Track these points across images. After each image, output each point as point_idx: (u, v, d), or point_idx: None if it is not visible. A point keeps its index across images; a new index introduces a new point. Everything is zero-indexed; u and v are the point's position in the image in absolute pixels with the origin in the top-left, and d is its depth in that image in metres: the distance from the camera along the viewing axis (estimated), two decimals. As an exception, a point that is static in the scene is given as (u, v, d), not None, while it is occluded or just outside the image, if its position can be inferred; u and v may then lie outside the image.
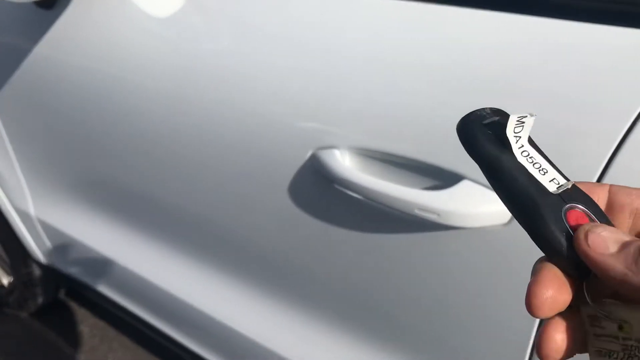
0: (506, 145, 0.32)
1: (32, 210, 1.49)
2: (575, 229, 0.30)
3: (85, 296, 1.62)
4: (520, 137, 0.33)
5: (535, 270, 0.31)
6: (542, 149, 0.33)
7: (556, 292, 0.29)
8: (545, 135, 0.62)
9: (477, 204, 0.65)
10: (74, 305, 1.97)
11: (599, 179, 0.59)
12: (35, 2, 1.08)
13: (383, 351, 0.89)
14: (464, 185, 0.66)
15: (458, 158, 0.67)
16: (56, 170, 1.35)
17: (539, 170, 0.32)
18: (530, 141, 0.33)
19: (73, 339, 1.85)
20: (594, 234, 0.29)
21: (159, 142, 1.02)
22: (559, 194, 0.31)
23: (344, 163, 0.77)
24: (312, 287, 0.96)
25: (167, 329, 1.36)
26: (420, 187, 0.71)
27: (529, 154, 0.32)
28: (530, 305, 0.29)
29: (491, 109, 0.35)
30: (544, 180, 0.31)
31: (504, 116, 0.34)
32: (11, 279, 1.88)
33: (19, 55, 1.18)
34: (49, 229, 1.49)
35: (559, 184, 0.31)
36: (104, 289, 1.48)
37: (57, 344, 1.84)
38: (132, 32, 1.00)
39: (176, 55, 0.94)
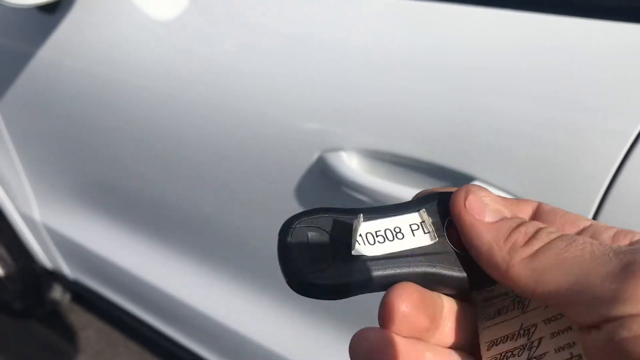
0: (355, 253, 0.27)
1: (37, 215, 1.49)
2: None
3: (91, 301, 1.61)
4: (361, 232, 0.27)
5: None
6: (376, 207, 0.28)
7: (415, 310, 0.26)
8: (557, 135, 0.61)
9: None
10: (79, 310, 1.97)
11: (612, 180, 0.58)
12: (37, 7, 1.07)
13: None
14: (474, 186, 0.65)
15: (468, 159, 0.66)
16: (61, 175, 1.35)
17: (397, 235, 0.27)
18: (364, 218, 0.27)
19: (79, 343, 1.85)
20: (475, 195, 0.27)
21: (163, 145, 1.01)
22: (438, 237, 0.27)
23: (351, 165, 0.76)
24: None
25: (173, 332, 1.35)
26: (430, 188, 0.70)
27: (377, 234, 0.27)
28: (379, 317, 0.27)
29: (299, 218, 0.29)
30: (412, 242, 0.27)
31: (319, 221, 0.28)
32: (17, 283, 1.88)
33: (23, 59, 1.18)
34: (54, 234, 1.49)
35: (423, 227, 0.27)
36: (110, 294, 1.48)
37: (63, 348, 1.83)
38: (136, 35, 0.99)
39: (180, 58, 0.94)
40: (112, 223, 1.31)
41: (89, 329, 1.90)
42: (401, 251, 0.27)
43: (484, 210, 0.26)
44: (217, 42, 0.91)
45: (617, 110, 0.59)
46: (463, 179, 0.67)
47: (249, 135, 0.87)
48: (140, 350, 1.79)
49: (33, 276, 1.75)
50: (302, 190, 0.84)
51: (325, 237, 0.27)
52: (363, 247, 0.27)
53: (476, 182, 0.66)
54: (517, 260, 0.24)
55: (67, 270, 1.58)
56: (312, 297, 0.27)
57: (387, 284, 0.27)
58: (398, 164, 0.73)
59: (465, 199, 0.27)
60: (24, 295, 1.83)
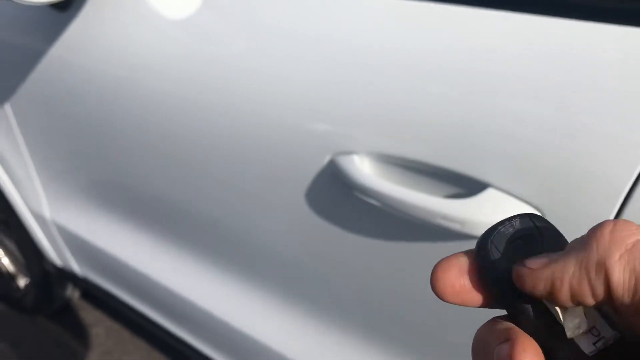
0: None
1: (47, 212, 1.49)
2: None
3: (101, 298, 1.62)
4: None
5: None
6: None
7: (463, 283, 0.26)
8: (574, 142, 0.60)
9: (503, 213, 0.63)
10: (89, 307, 1.97)
11: (632, 187, 0.57)
12: (50, 5, 1.07)
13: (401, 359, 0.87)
14: (489, 193, 0.64)
15: (483, 165, 0.65)
16: (71, 173, 1.34)
17: (572, 320, 0.24)
18: None
19: (88, 341, 1.85)
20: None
21: (173, 145, 1.00)
22: (594, 355, 0.24)
23: (363, 169, 0.74)
24: (329, 294, 0.94)
25: (181, 332, 1.35)
26: (443, 195, 0.69)
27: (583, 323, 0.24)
28: (433, 286, 0.27)
29: (521, 218, 0.27)
30: (577, 333, 0.24)
31: (539, 237, 0.26)
32: (27, 280, 1.89)
33: (35, 57, 1.18)
34: (64, 232, 1.49)
35: (598, 335, 0.24)
36: (118, 292, 1.48)
37: (72, 345, 1.84)
38: (147, 34, 0.99)
39: (191, 58, 0.93)
40: (121, 221, 1.31)
41: (98, 327, 1.90)
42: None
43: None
44: (229, 42, 0.90)
45: (638, 117, 0.57)
46: (477, 186, 0.66)
47: (260, 137, 0.86)
48: (149, 348, 1.79)
49: (43, 273, 1.75)
50: (312, 192, 0.83)
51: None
52: None
53: (491, 190, 0.64)
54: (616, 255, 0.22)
55: (76, 267, 1.59)
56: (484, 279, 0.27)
57: None
58: (410, 169, 0.72)
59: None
60: (34, 292, 1.84)
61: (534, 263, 0.24)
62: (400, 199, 0.70)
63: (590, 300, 0.23)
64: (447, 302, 0.26)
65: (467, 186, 0.67)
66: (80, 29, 1.08)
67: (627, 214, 0.58)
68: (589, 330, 0.24)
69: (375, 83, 0.74)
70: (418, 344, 0.84)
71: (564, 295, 0.23)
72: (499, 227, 0.26)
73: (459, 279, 0.26)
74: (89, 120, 1.16)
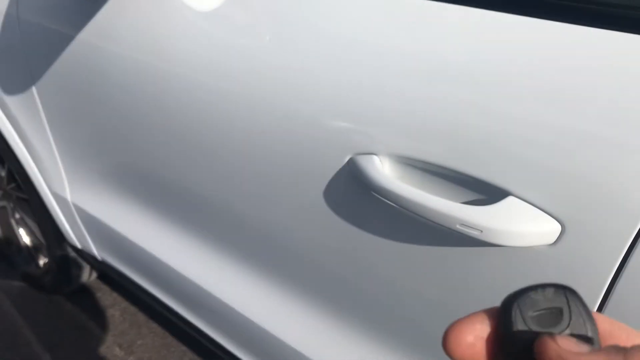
0: None
1: (68, 195, 1.51)
2: None
3: (117, 281, 1.64)
4: None
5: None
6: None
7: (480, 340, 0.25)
8: (598, 153, 0.59)
9: (523, 222, 0.62)
10: (106, 289, 2.00)
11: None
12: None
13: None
14: (509, 201, 0.63)
15: (505, 173, 0.64)
16: (93, 157, 1.36)
17: None
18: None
19: (104, 322, 1.88)
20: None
21: (194, 134, 1.01)
22: None
23: (383, 171, 0.74)
24: (343, 292, 0.94)
25: (195, 319, 1.36)
26: (463, 200, 0.68)
27: None
28: (445, 342, 0.25)
29: (555, 288, 0.26)
30: None
31: (569, 308, 0.25)
32: (47, 260, 1.92)
33: (62, 42, 1.19)
34: (84, 215, 1.51)
35: None
36: (135, 276, 1.50)
37: (88, 326, 1.87)
38: (175, 23, 0.99)
39: (217, 48, 0.93)
40: (140, 206, 1.32)
41: (114, 309, 1.93)
42: None
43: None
44: (255, 35, 0.90)
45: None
46: (496, 192, 0.65)
47: (280, 131, 0.86)
48: (163, 333, 1.81)
49: (62, 254, 1.78)
50: (331, 190, 0.83)
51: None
52: None
53: (512, 198, 0.63)
54: None
55: (95, 250, 1.61)
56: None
57: None
58: (430, 172, 0.71)
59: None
60: (53, 272, 1.87)
61: (564, 342, 0.23)
62: (418, 202, 0.69)
63: None
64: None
65: (488, 193, 0.66)
66: (109, 15, 1.09)
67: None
68: None
69: (399, 84, 0.73)
70: (431, 346, 0.84)
71: None
72: (530, 292, 0.25)
73: (474, 345, 0.25)
74: (112, 106, 1.17)
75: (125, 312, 1.91)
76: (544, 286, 0.25)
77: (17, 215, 1.96)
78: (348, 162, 0.78)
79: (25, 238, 1.98)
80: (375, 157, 0.75)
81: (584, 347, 0.23)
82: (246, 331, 1.17)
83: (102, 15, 1.10)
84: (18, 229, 1.97)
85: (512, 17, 0.67)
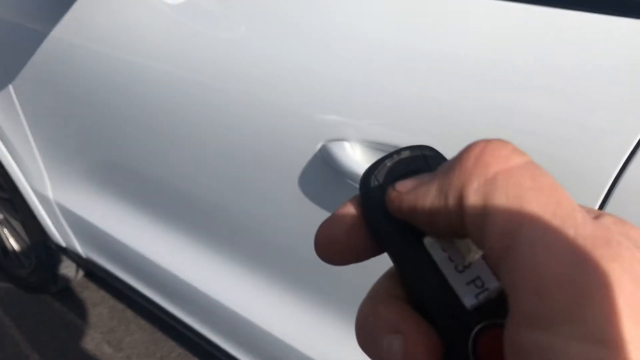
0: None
1: (50, 193, 1.51)
2: (485, 356, 0.20)
3: (104, 279, 1.64)
4: None
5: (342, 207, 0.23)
6: None
7: (347, 237, 0.23)
8: (564, 132, 0.60)
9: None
10: (93, 287, 2.00)
11: (616, 178, 0.57)
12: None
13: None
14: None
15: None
16: (74, 154, 1.36)
17: (456, 266, 0.21)
18: None
19: (92, 320, 1.88)
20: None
21: (171, 127, 1.01)
22: (476, 307, 0.21)
23: (354, 156, 0.75)
24: (320, 279, 0.95)
25: (182, 314, 1.36)
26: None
27: (457, 254, 0.22)
28: (316, 244, 0.23)
29: (411, 150, 0.24)
30: (459, 283, 0.21)
31: (422, 163, 0.24)
32: (32, 260, 1.91)
33: (36, 39, 1.19)
34: (67, 213, 1.51)
35: (481, 287, 0.21)
36: (120, 273, 1.50)
37: (76, 324, 1.87)
38: (147, 16, 0.99)
39: (190, 41, 0.93)
40: (123, 203, 1.32)
41: (102, 306, 1.93)
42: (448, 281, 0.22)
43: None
44: (228, 27, 0.90)
45: (624, 106, 0.57)
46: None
47: (253, 121, 0.86)
48: (152, 329, 1.82)
49: (47, 253, 1.78)
50: (303, 178, 0.84)
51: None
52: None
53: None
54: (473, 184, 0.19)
55: (79, 248, 1.61)
56: (362, 201, 0.23)
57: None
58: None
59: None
60: (39, 271, 1.86)
61: (403, 185, 0.21)
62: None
63: (447, 231, 0.20)
64: (329, 262, 0.24)
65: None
66: (83, 11, 1.09)
67: (610, 206, 0.58)
68: (473, 281, 0.21)
69: (369, 72, 0.74)
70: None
71: (424, 219, 0.21)
72: (385, 160, 0.23)
73: (342, 231, 0.23)
74: (91, 102, 1.17)
75: (113, 310, 1.91)
76: (398, 151, 0.24)
77: (1, 216, 1.95)
78: (320, 149, 0.79)
79: (9, 238, 1.97)
80: (346, 144, 0.76)
81: (422, 177, 0.21)
82: (232, 323, 1.18)
83: (76, 12, 1.10)
84: (2, 230, 1.97)
85: (481, 1, 0.68)
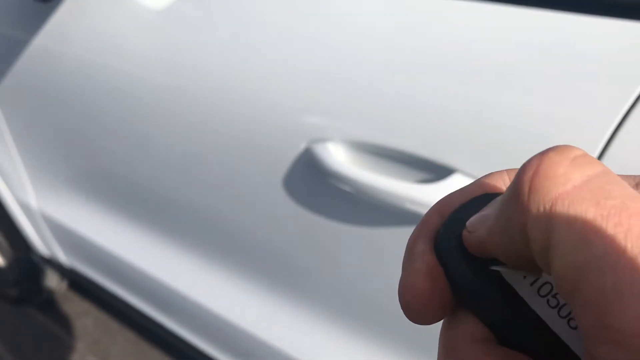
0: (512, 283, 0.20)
1: (33, 202, 1.49)
2: None
3: (88, 289, 1.62)
4: None
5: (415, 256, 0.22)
6: None
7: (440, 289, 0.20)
8: (538, 127, 0.61)
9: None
10: (77, 298, 1.98)
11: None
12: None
13: (376, 343, 0.88)
14: (455, 178, 0.65)
15: (449, 151, 0.66)
16: (57, 162, 1.35)
17: (568, 321, 0.19)
18: None
19: (76, 331, 1.86)
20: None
21: (156, 133, 1.01)
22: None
23: (337, 157, 0.76)
24: (305, 280, 0.95)
25: (169, 322, 1.36)
26: (412, 180, 0.70)
27: (550, 291, 0.19)
28: (406, 305, 0.21)
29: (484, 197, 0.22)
30: (574, 339, 0.19)
31: None
32: (15, 271, 1.89)
33: (18, 47, 1.18)
34: (51, 222, 1.49)
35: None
36: (106, 282, 1.49)
37: (60, 336, 1.85)
38: (130, 23, 1.00)
39: (173, 46, 0.94)
40: (107, 211, 1.31)
41: (86, 317, 1.91)
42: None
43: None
44: (210, 31, 0.91)
45: (596, 104, 0.58)
46: (444, 171, 0.67)
47: (236, 125, 0.87)
48: (137, 339, 1.80)
49: (30, 263, 1.76)
50: (288, 181, 0.84)
51: None
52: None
53: (457, 175, 0.66)
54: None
55: (63, 257, 1.59)
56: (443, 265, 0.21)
57: None
58: (384, 156, 0.73)
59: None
60: (21, 282, 1.84)
61: (471, 225, 0.20)
62: (371, 184, 0.71)
63: (523, 264, 0.19)
64: (420, 322, 0.21)
65: (436, 172, 0.68)
66: (63, 18, 1.09)
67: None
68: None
69: (350, 73, 0.75)
70: (391, 325, 0.85)
71: (501, 255, 0.19)
72: (461, 209, 0.22)
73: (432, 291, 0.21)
74: (73, 110, 1.17)
75: (98, 320, 1.90)
76: (472, 200, 0.22)
77: (-17, 228, 1.93)
78: (304, 151, 0.80)
79: (-8, 250, 1.95)
80: (329, 145, 0.77)
81: (485, 210, 0.20)
82: (218, 328, 1.18)
83: (56, 18, 1.10)
84: (-16, 241, 1.94)
85: (455, 2, 0.70)
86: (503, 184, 0.22)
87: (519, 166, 0.18)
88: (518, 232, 0.17)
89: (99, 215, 1.34)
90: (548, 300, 0.19)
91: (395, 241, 0.76)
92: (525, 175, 0.17)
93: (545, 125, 0.61)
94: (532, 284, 0.19)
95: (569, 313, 0.19)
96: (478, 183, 0.23)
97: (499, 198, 0.19)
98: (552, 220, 0.16)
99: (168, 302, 1.29)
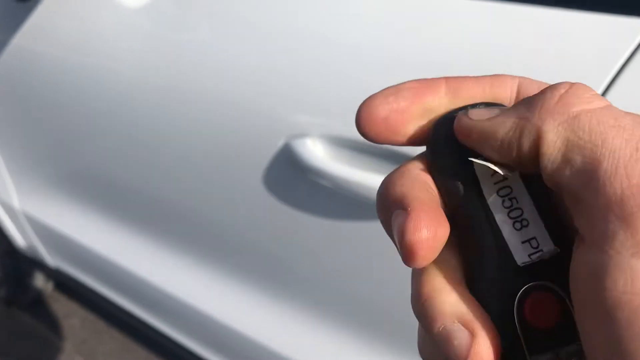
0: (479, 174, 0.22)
1: (16, 202, 1.49)
2: (528, 318, 0.21)
3: (75, 289, 1.62)
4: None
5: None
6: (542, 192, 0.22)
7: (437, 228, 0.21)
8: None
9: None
10: (63, 299, 1.97)
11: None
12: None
13: (362, 337, 0.89)
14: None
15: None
16: (40, 162, 1.35)
17: (514, 222, 0.22)
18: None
19: (63, 332, 1.85)
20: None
21: (136, 131, 1.01)
22: (527, 266, 0.21)
23: (316, 152, 0.76)
24: (286, 274, 0.95)
25: (155, 321, 1.36)
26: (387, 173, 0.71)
27: (509, 194, 0.22)
28: (408, 252, 0.21)
29: (486, 104, 0.24)
30: (514, 239, 0.21)
31: None
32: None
33: (-3, 47, 1.18)
34: (34, 222, 1.49)
35: (536, 247, 0.21)
36: (91, 282, 1.48)
37: (47, 337, 1.84)
38: (108, 22, 0.99)
39: (152, 44, 0.94)
40: (91, 211, 1.31)
41: (73, 317, 1.90)
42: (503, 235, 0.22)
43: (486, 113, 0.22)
44: (188, 28, 0.91)
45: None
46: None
47: (216, 121, 0.87)
48: (124, 338, 1.80)
49: (15, 264, 1.75)
50: (267, 177, 0.85)
51: None
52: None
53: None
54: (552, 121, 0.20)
55: (48, 258, 1.59)
56: (430, 146, 0.24)
57: None
58: (362, 151, 0.74)
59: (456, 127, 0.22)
60: (6, 284, 1.83)
61: (476, 114, 0.22)
62: (349, 179, 0.72)
63: (517, 162, 0.21)
64: (370, 138, 0.24)
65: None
66: (42, 17, 1.08)
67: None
68: (528, 241, 0.21)
69: (327, 66, 0.75)
70: (373, 316, 0.86)
71: (494, 152, 0.21)
72: (461, 110, 0.23)
73: (387, 118, 0.23)
74: (54, 109, 1.16)
75: (85, 320, 1.89)
76: (474, 105, 0.24)
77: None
78: (283, 146, 0.80)
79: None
80: (308, 140, 0.77)
81: (494, 111, 0.22)
82: (203, 325, 1.18)
83: (34, 17, 1.09)
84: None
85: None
86: (510, 91, 0.24)
87: None
88: (531, 133, 0.20)
89: (82, 215, 1.34)
90: (503, 201, 0.22)
91: (374, 235, 0.77)
92: (557, 91, 0.20)
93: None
94: (495, 183, 0.22)
95: (519, 216, 0.22)
96: (489, 81, 0.24)
97: (518, 104, 0.21)
98: (575, 124, 0.19)
99: (154, 300, 1.29)
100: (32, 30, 1.11)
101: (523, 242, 0.22)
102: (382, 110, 0.24)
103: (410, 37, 0.71)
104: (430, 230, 0.20)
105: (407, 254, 0.21)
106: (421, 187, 0.22)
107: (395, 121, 0.23)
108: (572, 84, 0.20)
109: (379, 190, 0.24)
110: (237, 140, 0.86)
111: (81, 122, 1.12)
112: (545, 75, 0.53)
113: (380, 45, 0.72)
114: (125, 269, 1.29)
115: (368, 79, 0.72)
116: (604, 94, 0.58)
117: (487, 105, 0.23)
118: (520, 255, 0.21)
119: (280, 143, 0.80)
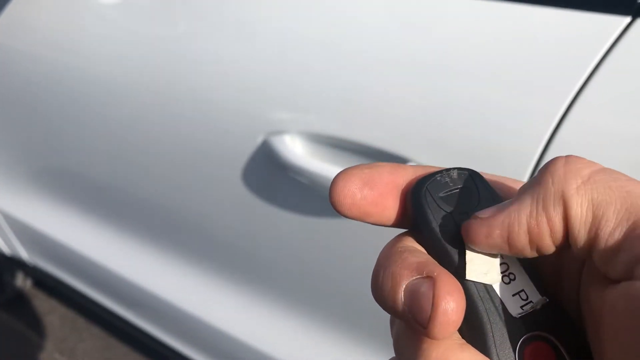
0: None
1: (-8, 201, 1.47)
2: None
3: (54, 287, 1.60)
4: None
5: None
6: None
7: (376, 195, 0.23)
8: (488, 116, 0.62)
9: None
10: (42, 296, 1.95)
11: (540, 156, 0.60)
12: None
13: (339, 328, 0.89)
14: (409, 169, 0.66)
15: (407, 144, 0.67)
16: (16, 160, 1.33)
17: (503, 277, 0.23)
18: None
19: (42, 329, 1.83)
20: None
21: (112, 128, 1.00)
22: (521, 317, 0.23)
23: (294, 149, 0.76)
24: (267, 271, 0.95)
25: (135, 318, 1.35)
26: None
27: (504, 265, 0.24)
28: (444, 320, 0.21)
29: (459, 171, 0.25)
30: (505, 293, 0.23)
31: (470, 187, 0.25)
32: (-23, 271, 1.86)
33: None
34: (11, 220, 1.47)
35: (526, 299, 0.23)
36: (70, 280, 1.47)
37: (27, 335, 1.82)
38: (82, 17, 0.98)
39: (127, 39, 0.93)
40: (68, 208, 1.30)
41: (53, 315, 1.88)
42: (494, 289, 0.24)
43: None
44: (165, 23, 0.90)
45: (543, 92, 0.60)
46: (398, 161, 0.68)
47: (194, 118, 0.86)
48: (104, 335, 1.79)
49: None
50: (246, 173, 0.84)
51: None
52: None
53: (411, 164, 0.66)
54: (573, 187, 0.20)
55: (25, 256, 1.57)
56: (413, 210, 0.24)
57: None
58: (340, 148, 0.74)
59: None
60: (-17, 282, 1.81)
61: (485, 212, 0.22)
62: (328, 176, 0.71)
63: (548, 242, 0.21)
64: (344, 214, 0.24)
65: (390, 162, 0.69)
66: (16, 13, 1.07)
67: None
68: (518, 293, 0.23)
69: (305, 63, 0.75)
70: (354, 313, 0.86)
71: (522, 239, 0.21)
72: (435, 175, 0.25)
73: (361, 190, 0.23)
74: (31, 107, 1.14)
75: (64, 318, 1.87)
76: (447, 170, 0.25)
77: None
78: (261, 143, 0.80)
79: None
80: (286, 137, 0.77)
81: (501, 204, 0.22)
82: (184, 323, 1.17)
83: (9, 15, 1.07)
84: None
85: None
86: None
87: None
88: (556, 201, 0.21)
89: (60, 213, 1.32)
90: (503, 278, 0.23)
91: (353, 231, 0.77)
92: (558, 163, 0.21)
93: (495, 114, 0.62)
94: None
95: (506, 270, 0.23)
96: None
97: (521, 189, 0.22)
98: (594, 184, 0.20)
99: (133, 297, 1.28)
100: (4, 26, 1.09)
101: (514, 295, 0.23)
102: (353, 195, 0.24)
103: (388, 34, 0.71)
104: (461, 294, 0.21)
105: (444, 322, 0.20)
106: (422, 253, 0.23)
107: (365, 207, 0.24)
108: (567, 156, 0.22)
109: (379, 264, 0.23)
110: (216, 137, 0.85)
111: (56, 118, 1.11)
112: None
113: (359, 43, 0.72)
114: (103, 266, 1.28)
115: (346, 76, 0.71)
116: (580, 91, 0.58)
117: (460, 173, 0.25)
118: (514, 307, 0.23)
119: (259, 140, 0.80)
